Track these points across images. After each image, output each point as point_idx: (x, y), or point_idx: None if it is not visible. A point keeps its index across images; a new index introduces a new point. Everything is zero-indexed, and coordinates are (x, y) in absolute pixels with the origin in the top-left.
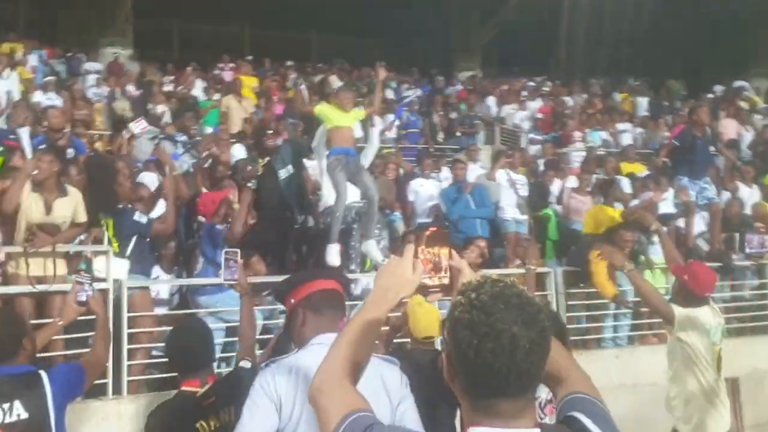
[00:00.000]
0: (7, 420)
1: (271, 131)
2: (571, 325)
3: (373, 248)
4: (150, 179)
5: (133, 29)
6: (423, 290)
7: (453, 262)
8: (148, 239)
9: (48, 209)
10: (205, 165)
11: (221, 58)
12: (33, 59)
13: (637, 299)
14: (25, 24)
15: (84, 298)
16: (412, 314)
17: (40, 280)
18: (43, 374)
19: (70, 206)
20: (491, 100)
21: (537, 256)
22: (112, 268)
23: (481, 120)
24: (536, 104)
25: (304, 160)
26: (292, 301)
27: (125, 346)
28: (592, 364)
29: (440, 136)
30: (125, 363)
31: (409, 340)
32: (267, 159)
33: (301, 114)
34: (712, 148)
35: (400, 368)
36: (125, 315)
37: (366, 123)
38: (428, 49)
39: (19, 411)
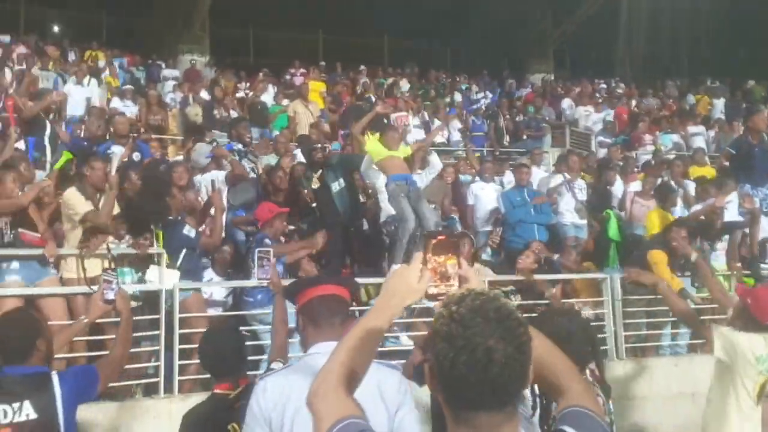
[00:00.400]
0: (17, 419)
1: (318, 145)
2: (629, 332)
3: None
4: (209, 179)
5: (210, 37)
6: (429, 298)
7: (461, 271)
8: (197, 251)
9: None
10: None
11: (293, 64)
12: (114, 67)
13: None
14: (107, 33)
15: (111, 296)
16: None
17: (94, 280)
18: (54, 376)
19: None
20: (566, 102)
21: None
22: (165, 278)
23: (548, 123)
24: (610, 107)
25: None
26: (297, 305)
27: (177, 347)
28: (650, 372)
29: (506, 140)
30: (177, 363)
31: None
32: (320, 172)
33: (354, 136)
34: None
35: (403, 374)
36: (177, 316)
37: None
38: (500, 52)
39: (28, 411)
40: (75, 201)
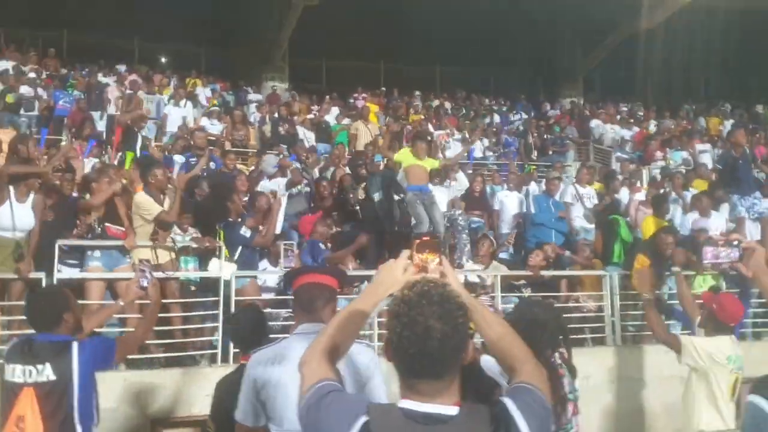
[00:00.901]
0: (39, 380)
1: (361, 162)
2: (626, 322)
3: None
4: (272, 186)
5: (289, 67)
6: None
7: (441, 267)
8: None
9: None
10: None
11: (356, 90)
12: (208, 91)
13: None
14: (205, 64)
15: (145, 284)
16: None
17: (161, 267)
18: (75, 344)
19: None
20: (594, 122)
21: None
22: (224, 269)
23: (571, 140)
24: (631, 127)
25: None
26: (291, 291)
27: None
28: (644, 357)
29: (534, 155)
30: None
31: None
32: (364, 184)
33: (384, 155)
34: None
35: (375, 351)
36: (233, 299)
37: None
38: (538, 78)
39: (48, 373)
40: (147, 203)
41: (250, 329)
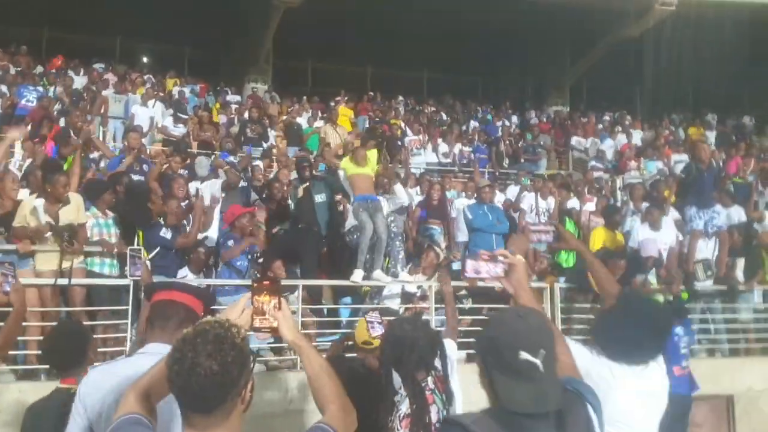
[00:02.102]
0: None
1: (306, 164)
2: (569, 336)
3: (381, 275)
4: (210, 187)
5: (273, 69)
6: (254, 330)
7: (277, 311)
8: (173, 250)
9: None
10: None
11: (339, 93)
12: (186, 91)
13: None
14: (189, 65)
15: (7, 288)
16: (358, 325)
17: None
18: None
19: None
20: (574, 139)
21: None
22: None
23: (543, 148)
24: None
25: None
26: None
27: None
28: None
29: (505, 162)
30: None
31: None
32: (306, 185)
33: (330, 164)
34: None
35: None
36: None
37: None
38: (527, 86)
39: None
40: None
41: (70, 347)
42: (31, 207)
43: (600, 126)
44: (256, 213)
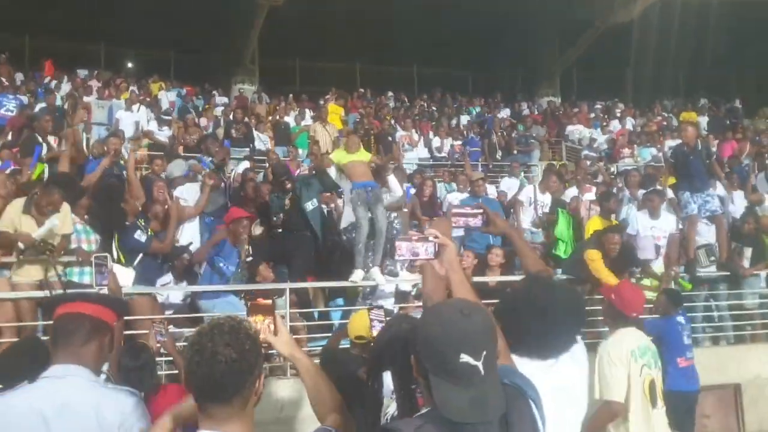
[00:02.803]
0: None
1: (286, 176)
2: None
3: (377, 274)
4: (186, 191)
5: (260, 69)
6: None
7: (271, 331)
8: (155, 257)
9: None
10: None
11: (329, 91)
12: (172, 95)
13: None
14: (175, 69)
15: None
16: (355, 316)
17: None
18: None
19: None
20: (571, 128)
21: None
22: (118, 276)
23: (536, 140)
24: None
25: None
26: None
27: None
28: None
29: (498, 154)
30: None
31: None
32: (291, 194)
33: (318, 169)
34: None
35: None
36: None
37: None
38: (517, 77)
39: None
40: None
41: (18, 364)
42: (18, 211)
43: (592, 115)
44: (254, 219)
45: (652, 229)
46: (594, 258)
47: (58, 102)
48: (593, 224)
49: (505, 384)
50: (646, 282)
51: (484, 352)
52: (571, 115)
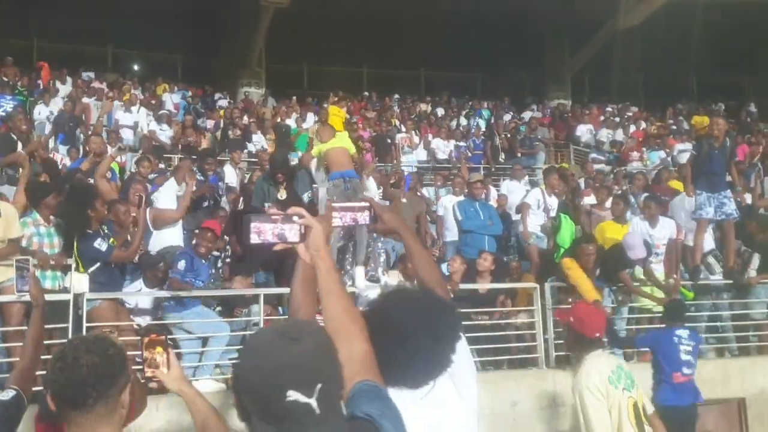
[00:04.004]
0: None
1: (283, 172)
2: (560, 341)
3: (359, 276)
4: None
5: (267, 72)
6: (145, 380)
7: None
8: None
9: None
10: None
11: (335, 94)
12: (176, 97)
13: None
14: (182, 70)
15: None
16: None
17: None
18: None
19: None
20: (582, 128)
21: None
22: (74, 282)
23: (541, 142)
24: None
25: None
26: None
27: None
28: None
29: (501, 157)
30: None
31: None
32: (284, 185)
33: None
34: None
35: None
36: (84, 325)
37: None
38: (526, 79)
39: None
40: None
41: None
42: None
43: (602, 118)
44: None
45: (650, 237)
46: (570, 266)
47: (59, 105)
48: (607, 229)
49: (355, 418)
50: (646, 290)
51: (319, 385)
52: (579, 117)
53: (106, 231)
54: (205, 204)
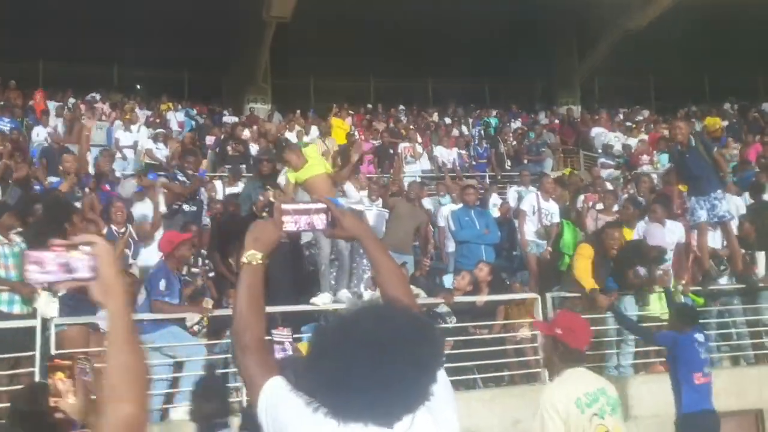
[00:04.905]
0: None
1: (264, 158)
2: None
3: (344, 298)
4: (141, 210)
5: (273, 87)
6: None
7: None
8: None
9: None
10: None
11: (340, 107)
12: (180, 115)
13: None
14: (189, 88)
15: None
16: None
17: None
18: None
19: None
20: (595, 131)
21: None
22: (41, 306)
23: (549, 147)
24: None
25: None
26: None
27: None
28: None
29: (507, 164)
30: None
31: None
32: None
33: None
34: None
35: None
36: (53, 351)
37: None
38: (536, 86)
39: None
40: None
41: None
42: None
43: (616, 120)
44: (194, 239)
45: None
46: (582, 253)
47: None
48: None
49: None
50: (654, 297)
51: None
52: (589, 121)
53: None
54: (187, 208)
